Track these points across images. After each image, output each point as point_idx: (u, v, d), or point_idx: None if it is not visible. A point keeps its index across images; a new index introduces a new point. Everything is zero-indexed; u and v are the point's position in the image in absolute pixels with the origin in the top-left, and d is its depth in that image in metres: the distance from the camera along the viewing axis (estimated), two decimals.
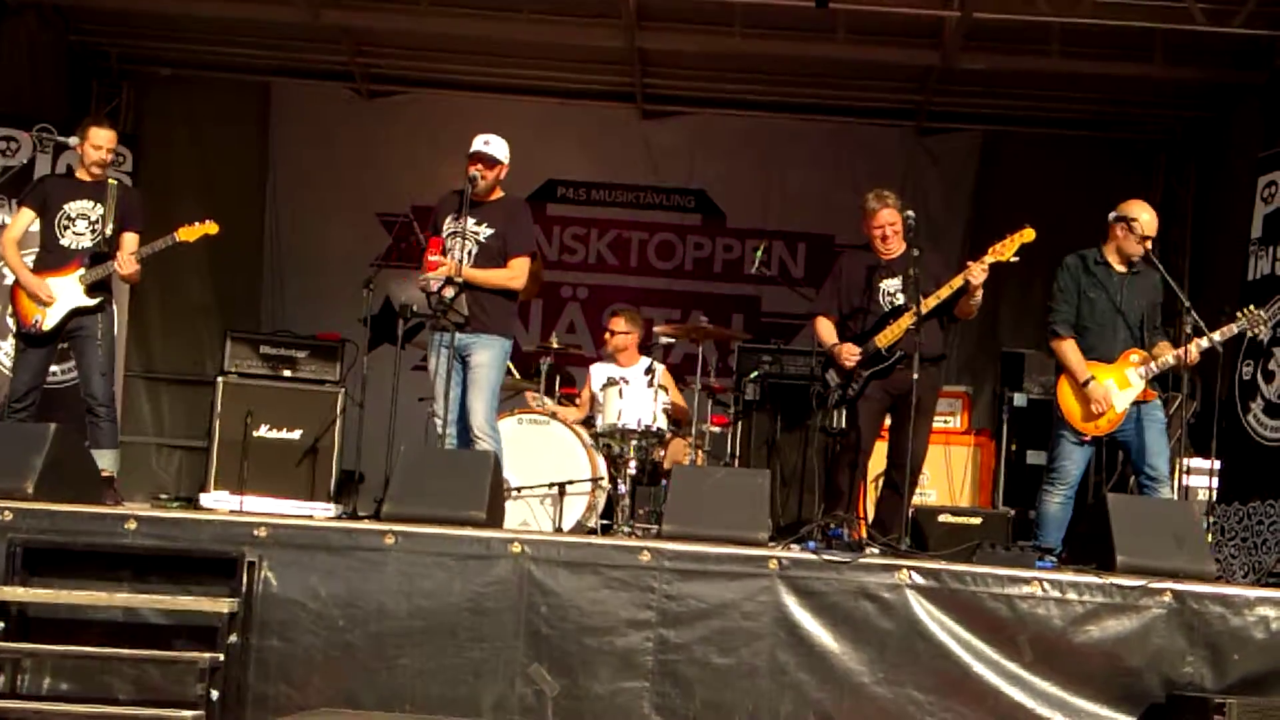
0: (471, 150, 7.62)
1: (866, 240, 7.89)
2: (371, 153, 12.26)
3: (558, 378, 9.45)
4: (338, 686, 5.96)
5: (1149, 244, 7.42)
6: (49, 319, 7.70)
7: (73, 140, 7.92)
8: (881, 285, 7.71)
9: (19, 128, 10.25)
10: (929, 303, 7.39)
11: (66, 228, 7.81)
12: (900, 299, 7.61)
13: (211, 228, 7.86)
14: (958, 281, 7.43)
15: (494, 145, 7.64)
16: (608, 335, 9.48)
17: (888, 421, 7.82)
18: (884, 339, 7.56)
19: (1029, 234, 7.45)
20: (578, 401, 9.52)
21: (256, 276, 12.25)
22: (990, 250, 7.49)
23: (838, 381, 7.70)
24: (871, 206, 7.78)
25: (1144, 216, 7.48)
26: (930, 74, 11.37)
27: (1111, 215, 7.52)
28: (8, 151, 10.32)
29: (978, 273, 7.40)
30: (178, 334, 12.24)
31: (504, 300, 7.70)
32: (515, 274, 7.64)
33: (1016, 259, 7.52)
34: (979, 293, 7.54)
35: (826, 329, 7.88)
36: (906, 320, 7.42)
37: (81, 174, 7.96)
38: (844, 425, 7.75)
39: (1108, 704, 5.94)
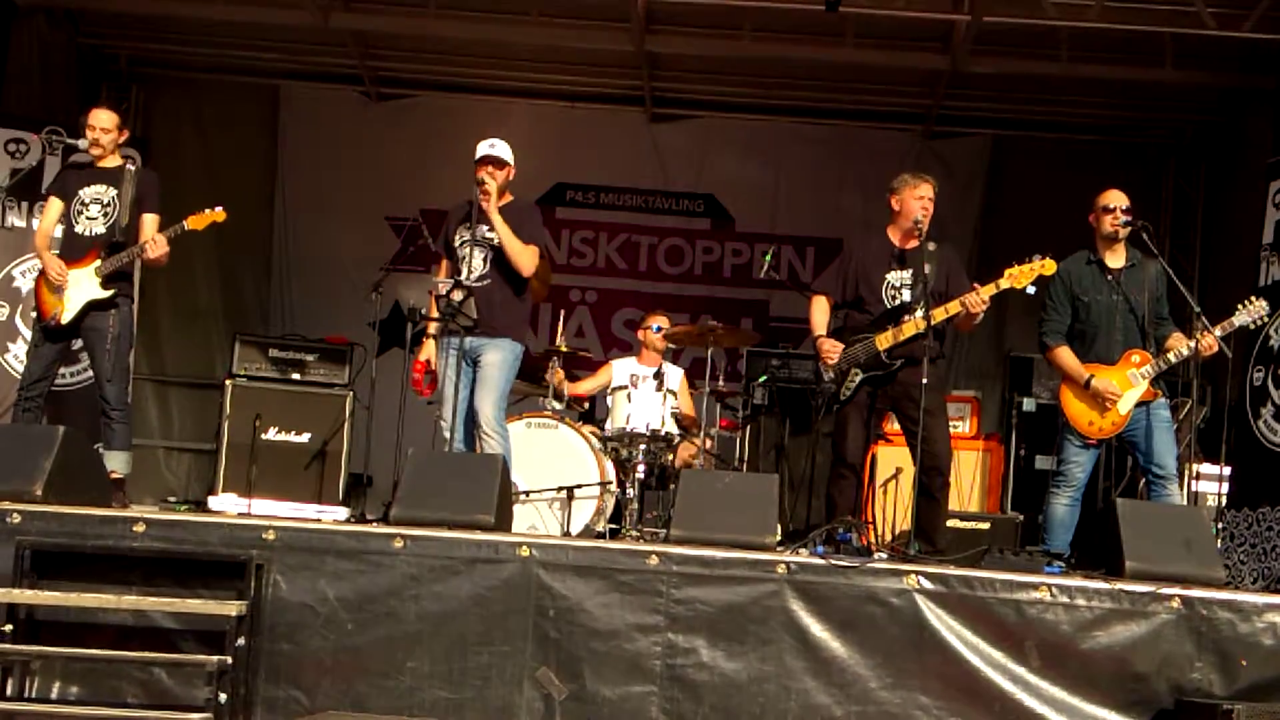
0: (479, 156, 7.63)
1: (892, 219, 7.59)
2: (380, 156, 12.29)
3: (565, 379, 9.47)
4: (346, 690, 5.96)
5: (1127, 216, 7.38)
6: (67, 311, 7.71)
7: (82, 143, 7.93)
8: (889, 277, 7.48)
9: (29, 130, 10.27)
10: (937, 314, 7.21)
11: (80, 213, 7.83)
12: (905, 295, 7.42)
13: (220, 215, 7.83)
14: (954, 308, 7.26)
15: (499, 147, 7.68)
16: (653, 332, 9.41)
17: (894, 426, 7.74)
18: (884, 341, 7.35)
19: (1050, 266, 7.31)
20: (585, 375, 9.63)
21: (265, 279, 12.29)
22: (1006, 274, 7.32)
23: (830, 378, 7.44)
24: (911, 180, 7.53)
25: (1100, 198, 7.49)
26: (939, 78, 11.37)
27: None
28: (18, 154, 10.34)
29: (976, 302, 7.25)
30: (186, 337, 12.27)
31: (516, 305, 7.72)
32: (531, 253, 7.62)
33: (1033, 290, 7.39)
34: (979, 315, 7.40)
35: (820, 314, 7.61)
36: (910, 328, 7.28)
37: (95, 161, 7.98)
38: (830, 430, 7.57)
39: (1116, 709, 5.92)
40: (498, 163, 7.63)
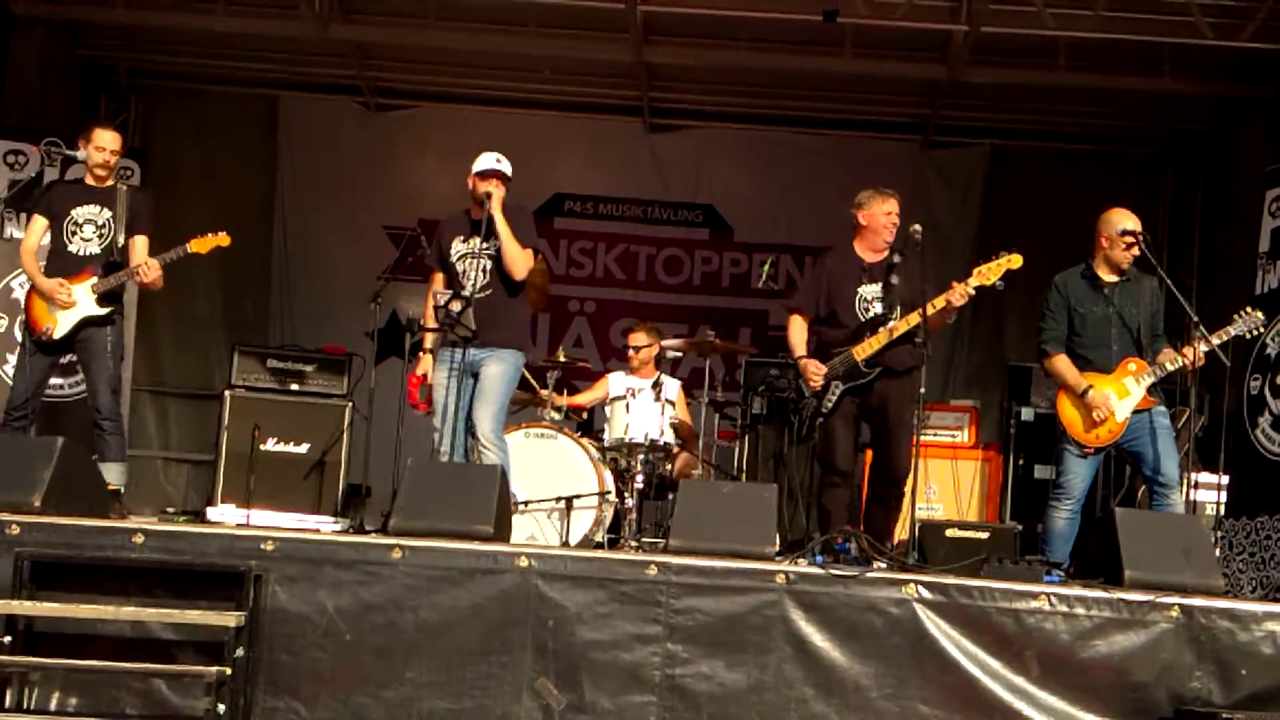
0: (485, 169, 7.59)
1: (858, 234, 7.67)
2: (379, 166, 12.31)
3: (564, 391, 9.46)
4: (345, 700, 5.94)
5: (1138, 238, 7.38)
6: (60, 327, 7.70)
7: (80, 154, 7.91)
8: (860, 291, 7.55)
9: (28, 141, 10.26)
10: (938, 302, 7.28)
11: (74, 234, 7.81)
12: (878, 307, 7.50)
13: (224, 239, 7.85)
14: (940, 302, 7.32)
15: (504, 162, 7.65)
16: (631, 353, 9.48)
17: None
18: (862, 351, 7.41)
19: (1016, 260, 7.36)
20: (584, 387, 9.67)
21: (264, 290, 12.29)
22: (975, 272, 7.40)
23: (811, 393, 7.48)
24: (877, 196, 7.63)
25: (1115, 219, 7.45)
26: (937, 88, 11.39)
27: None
28: (16, 165, 10.34)
29: (959, 298, 7.34)
30: (185, 348, 12.27)
31: (517, 315, 7.74)
32: (527, 255, 7.61)
33: (1002, 285, 7.41)
34: (954, 312, 7.50)
35: (799, 332, 7.67)
36: (884, 336, 7.35)
37: (89, 179, 7.95)
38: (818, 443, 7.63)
39: (1115, 719, 5.92)
40: (502, 177, 7.61)
